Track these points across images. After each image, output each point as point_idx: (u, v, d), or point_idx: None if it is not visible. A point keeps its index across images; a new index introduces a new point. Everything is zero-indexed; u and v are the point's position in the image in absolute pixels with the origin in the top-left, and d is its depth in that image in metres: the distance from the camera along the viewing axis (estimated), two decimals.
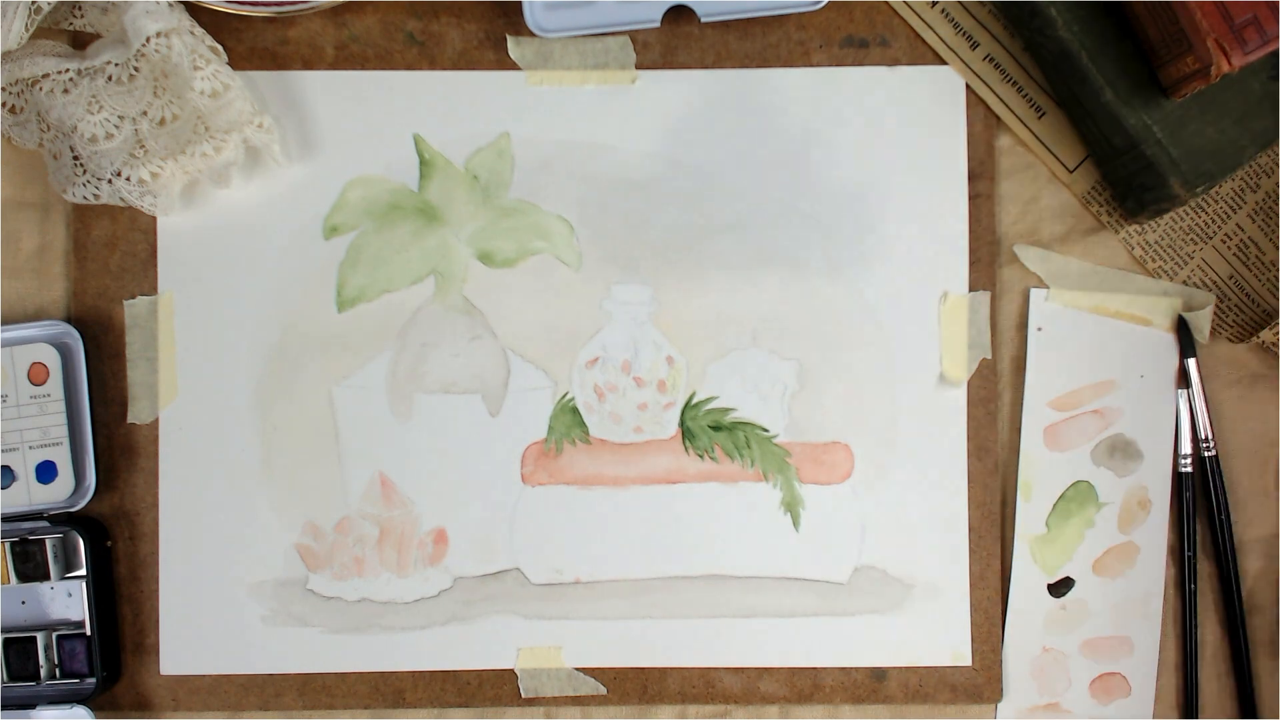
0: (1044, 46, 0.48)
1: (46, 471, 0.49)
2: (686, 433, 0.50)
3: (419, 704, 0.50)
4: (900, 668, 0.50)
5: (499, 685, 0.50)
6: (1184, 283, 0.51)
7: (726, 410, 0.50)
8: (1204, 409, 0.50)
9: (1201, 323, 0.50)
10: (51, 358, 0.49)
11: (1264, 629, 0.51)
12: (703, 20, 0.49)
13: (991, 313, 0.50)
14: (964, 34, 0.50)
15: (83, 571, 0.49)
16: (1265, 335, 0.49)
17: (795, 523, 0.50)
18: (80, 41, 0.49)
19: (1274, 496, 0.51)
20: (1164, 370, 0.51)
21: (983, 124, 0.50)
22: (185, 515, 0.50)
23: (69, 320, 0.50)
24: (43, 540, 0.48)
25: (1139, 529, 0.51)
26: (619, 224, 0.50)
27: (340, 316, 0.50)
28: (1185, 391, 0.50)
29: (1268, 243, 0.51)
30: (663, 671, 0.50)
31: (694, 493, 0.50)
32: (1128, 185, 0.48)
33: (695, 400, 0.50)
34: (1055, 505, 0.50)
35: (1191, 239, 0.51)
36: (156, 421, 0.50)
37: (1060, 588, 0.51)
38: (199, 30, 0.46)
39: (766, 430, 0.50)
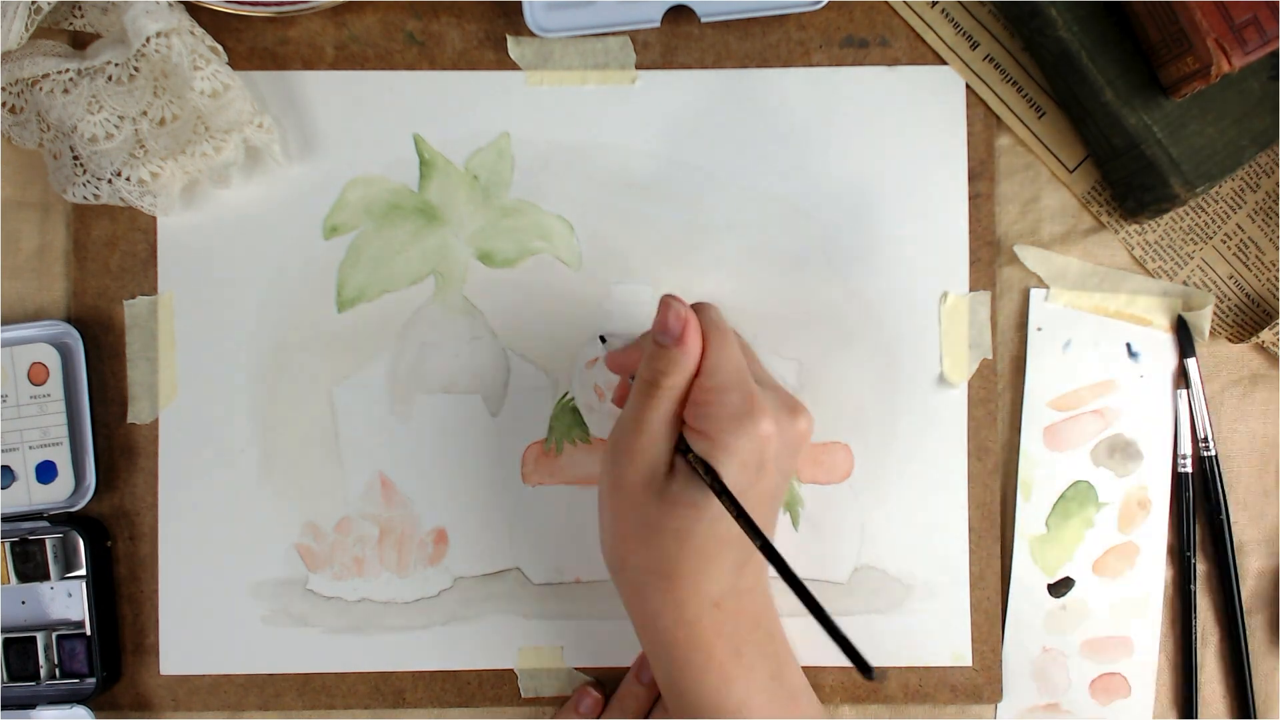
0: (1044, 46, 0.48)
1: (46, 471, 0.49)
2: None
3: (419, 704, 0.50)
4: (900, 668, 0.50)
5: (499, 685, 0.50)
6: (1184, 283, 0.51)
7: None
8: (1204, 409, 0.50)
9: (1201, 323, 0.50)
10: (51, 358, 0.49)
11: (1264, 629, 0.51)
12: (703, 20, 0.49)
13: (991, 313, 0.50)
14: (964, 34, 0.50)
15: (83, 571, 0.49)
16: (1265, 335, 0.49)
17: (794, 522, 0.50)
18: (80, 41, 0.49)
19: (1274, 496, 0.51)
20: (1164, 370, 0.51)
21: (983, 124, 0.50)
22: (185, 515, 0.50)
23: (69, 320, 0.50)
24: (43, 540, 0.48)
25: (1139, 529, 0.51)
26: (619, 224, 0.50)
27: (340, 316, 0.50)
28: (1185, 391, 0.50)
29: (1268, 243, 0.51)
30: None
31: None
32: (1128, 185, 0.49)
33: None
34: (1055, 505, 0.50)
35: (1191, 239, 0.51)
36: (156, 421, 0.50)
37: (1060, 588, 0.51)
38: (199, 30, 0.46)
39: None
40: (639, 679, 0.49)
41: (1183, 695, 0.51)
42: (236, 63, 0.49)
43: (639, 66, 0.50)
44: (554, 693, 0.50)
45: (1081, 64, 0.47)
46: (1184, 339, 0.50)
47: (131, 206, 0.48)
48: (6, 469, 0.49)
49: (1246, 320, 0.51)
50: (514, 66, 0.50)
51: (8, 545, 0.48)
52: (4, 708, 0.48)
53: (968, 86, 0.50)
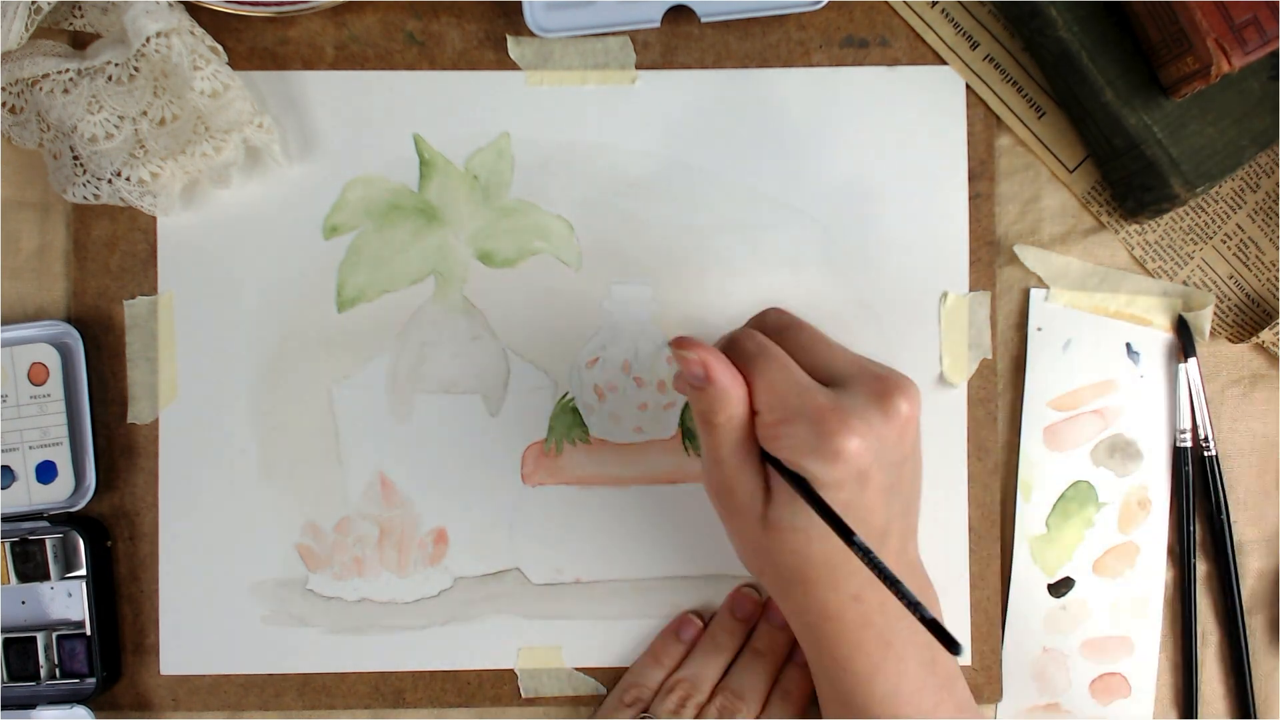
0: (1044, 46, 0.48)
1: (46, 471, 0.49)
2: (687, 433, 0.50)
3: (419, 704, 0.50)
4: None
5: (499, 685, 0.50)
6: (1184, 283, 0.51)
7: None
8: (1204, 409, 0.50)
9: (1201, 323, 0.50)
10: (51, 358, 0.49)
11: (1264, 629, 0.51)
12: (703, 20, 0.49)
13: (991, 313, 0.50)
14: (964, 34, 0.50)
15: (83, 571, 0.49)
16: (1265, 335, 0.49)
17: None
18: (80, 41, 0.49)
19: (1274, 496, 0.51)
20: (1164, 370, 0.51)
21: (983, 124, 0.50)
22: (185, 515, 0.50)
23: (69, 320, 0.50)
24: (43, 540, 0.48)
25: (1139, 529, 0.51)
26: (619, 224, 0.50)
27: (340, 316, 0.50)
28: (1185, 392, 0.50)
29: (1268, 243, 0.51)
30: None
31: (694, 493, 0.50)
32: (1128, 185, 0.49)
33: None
34: (1055, 505, 0.50)
35: (1191, 239, 0.51)
36: (156, 421, 0.50)
37: (1060, 588, 0.51)
38: (199, 30, 0.46)
39: None
40: (733, 614, 0.50)
41: (1183, 695, 0.51)
42: (236, 63, 0.49)
43: (639, 66, 0.50)
44: (554, 693, 0.50)
45: (1081, 64, 0.47)
46: (1184, 339, 0.50)
47: (131, 206, 0.48)
48: (6, 469, 0.49)
49: (1246, 320, 0.51)
50: (514, 66, 0.50)
51: (8, 545, 0.48)
52: (4, 708, 0.48)
53: (968, 86, 0.50)
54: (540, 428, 0.50)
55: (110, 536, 0.50)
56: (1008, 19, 0.49)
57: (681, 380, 0.42)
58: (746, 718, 0.48)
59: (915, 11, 0.50)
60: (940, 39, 0.50)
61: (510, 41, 0.50)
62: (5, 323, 0.49)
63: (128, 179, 0.46)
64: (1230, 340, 0.51)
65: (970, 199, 0.50)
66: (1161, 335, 0.51)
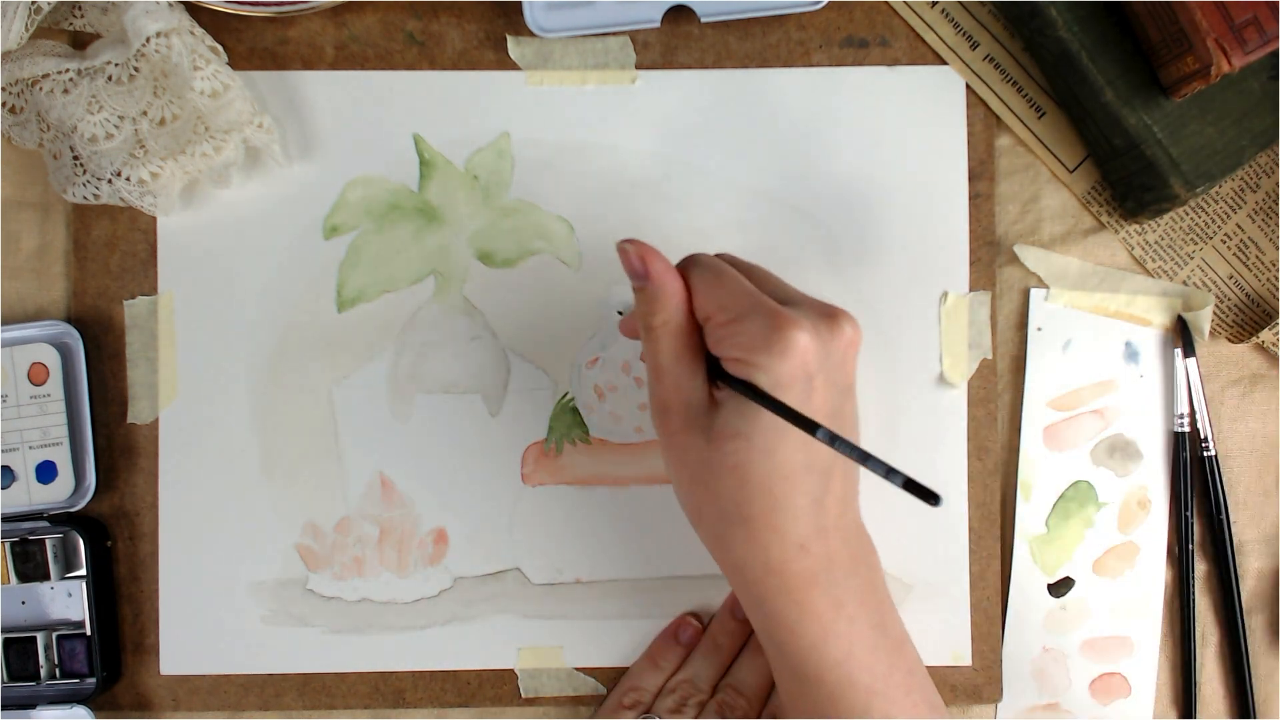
0: (1044, 46, 0.48)
1: (46, 471, 0.49)
2: None
3: (419, 704, 0.50)
4: None
5: (499, 685, 0.50)
6: (1184, 283, 0.51)
7: None
8: (1204, 409, 0.50)
9: (1201, 323, 0.50)
10: (51, 358, 0.49)
11: (1264, 629, 0.51)
12: (703, 20, 0.49)
13: (991, 313, 0.50)
14: (964, 34, 0.50)
15: (83, 571, 0.49)
16: (1265, 335, 0.49)
17: None
18: (80, 41, 0.49)
19: (1274, 496, 0.51)
20: (1164, 371, 0.51)
21: (983, 124, 0.50)
22: (185, 515, 0.50)
23: (69, 320, 0.50)
24: (43, 540, 0.48)
25: (1139, 529, 0.51)
26: (619, 224, 0.50)
27: (340, 316, 0.50)
28: (1185, 392, 0.50)
29: (1268, 243, 0.51)
30: None
31: None
32: (1128, 185, 0.49)
33: None
34: (1055, 505, 0.50)
35: (1191, 239, 0.51)
36: (156, 421, 0.50)
37: (1060, 588, 0.51)
38: (199, 30, 0.46)
39: None
40: (733, 614, 0.49)
41: (1183, 695, 0.51)
42: (236, 63, 0.49)
43: (639, 66, 0.50)
44: (554, 693, 0.50)
45: (1081, 64, 0.47)
46: (1184, 339, 0.50)
47: (131, 206, 0.48)
48: (6, 469, 0.49)
49: (1246, 320, 0.51)
50: (514, 66, 0.50)
51: (8, 545, 0.48)
52: (4, 708, 0.48)
53: (968, 86, 0.50)
54: (540, 428, 0.50)
55: (110, 536, 0.50)
56: (1008, 19, 0.49)
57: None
58: (747, 715, 0.48)
59: (915, 11, 0.50)
60: (940, 39, 0.50)
61: (510, 41, 0.50)
62: (5, 323, 0.49)
63: (128, 179, 0.46)
64: (1230, 340, 0.51)
65: (970, 199, 0.50)
66: (1161, 335, 0.51)
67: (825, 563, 0.40)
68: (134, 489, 0.50)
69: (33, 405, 0.49)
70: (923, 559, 0.50)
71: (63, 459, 0.49)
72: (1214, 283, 0.51)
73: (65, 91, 0.45)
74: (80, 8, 0.48)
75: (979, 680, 0.50)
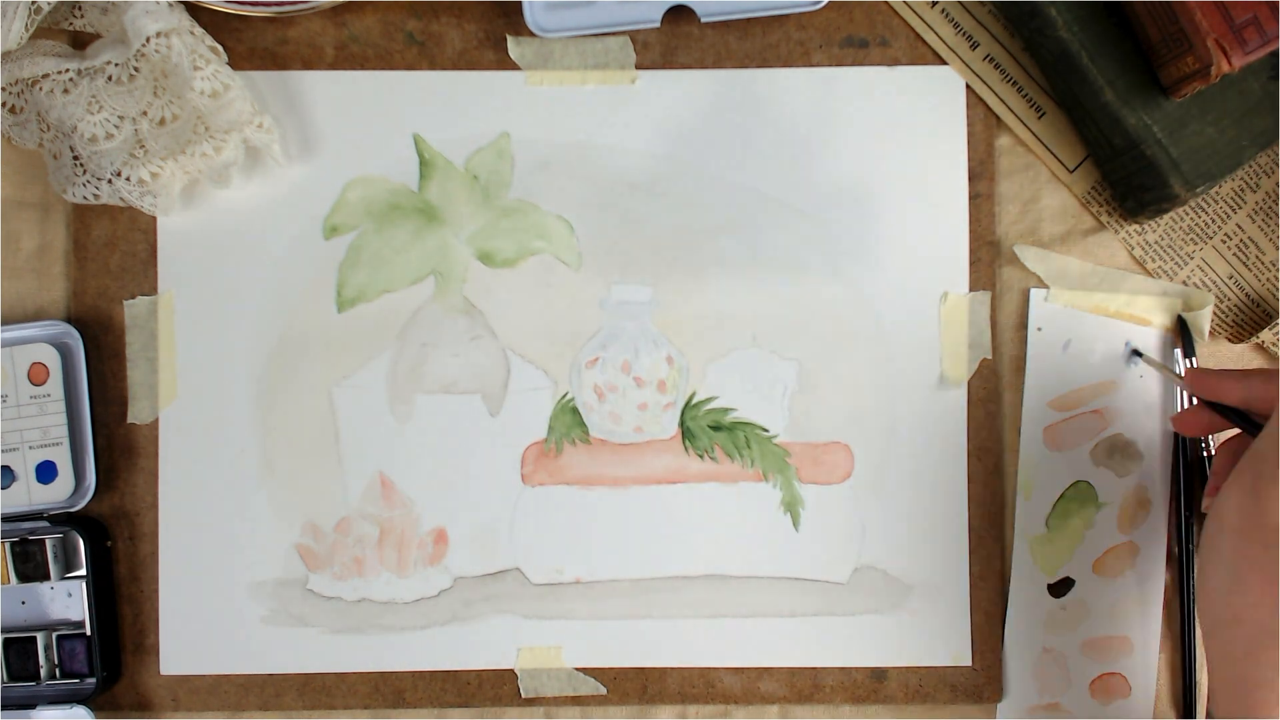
0: (1044, 46, 0.48)
1: (46, 471, 0.49)
2: (686, 433, 0.50)
3: (419, 704, 0.50)
4: (900, 668, 0.50)
5: (499, 685, 0.50)
6: (1184, 283, 0.51)
7: (726, 410, 0.50)
8: None
9: (1201, 323, 0.50)
10: (51, 358, 0.49)
11: None
12: (703, 20, 0.49)
13: (991, 313, 0.50)
14: (964, 34, 0.50)
15: (83, 571, 0.49)
16: (1265, 335, 0.49)
17: (795, 523, 0.50)
18: (80, 41, 0.49)
19: None
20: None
21: (983, 124, 0.50)
22: (185, 515, 0.50)
23: (69, 320, 0.50)
24: (43, 540, 0.48)
25: (1139, 529, 0.51)
26: (619, 224, 0.50)
27: (340, 316, 0.50)
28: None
29: (1268, 243, 0.51)
30: (662, 671, 0.50)
31: (694, 493, 0.50)
32: (1128, 185, 0.49)
33: (695, 400, 0.50)
34: (1055, 505, 0.50)
35: (1191, 239, 0.51)
36: (156, 421, 0.50)
37: (1060, 588, 0.51)
38: (199, 30, 0.46)
39: (766, 430, 0.50)
40: None
41: (1183, 695, 0.51)
42: (236, 63, 0.49)
43: (639, 66, 0.50)
44: (554, 693, 0.50)
45: (1081, 64, 0.47)
46: (1184, 339, 0.50)
47: (131, 206, 0.48)
48: (6, 469, 0.49)
49: (1246, 320, 0.51)
50: (514, 66, 0.50)
51: (8, 545, 0.48)
52: (4, 708, 0.48)
53: (968, 86, 0.50)
54: (540, 428, 0.50)
55: (110, 536, 0.50)
56: (1008, 19, 0.49)
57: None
58: None
59: (915, 11, 0.50)
60: (940, 39, 0.50)
61: (510, 41, 0.50)
62: (5, 323, 0.49)
63: (128, 179, 0.46)
64: (1230, 340, 0.51)
65: (970, 199, 0.50)
66: (1161, 335, 0.51)
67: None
68: (134, 489, 0.50)
69: (33, 405, 0.49)
70: (923, 559, 0.50)
71: (63, 459, 0.49)
72: (1214, 283, 0.51)
73: (65, 91, 0.45)
74: (80, 8, 0.48)
75: (979, 680, 0.50)
